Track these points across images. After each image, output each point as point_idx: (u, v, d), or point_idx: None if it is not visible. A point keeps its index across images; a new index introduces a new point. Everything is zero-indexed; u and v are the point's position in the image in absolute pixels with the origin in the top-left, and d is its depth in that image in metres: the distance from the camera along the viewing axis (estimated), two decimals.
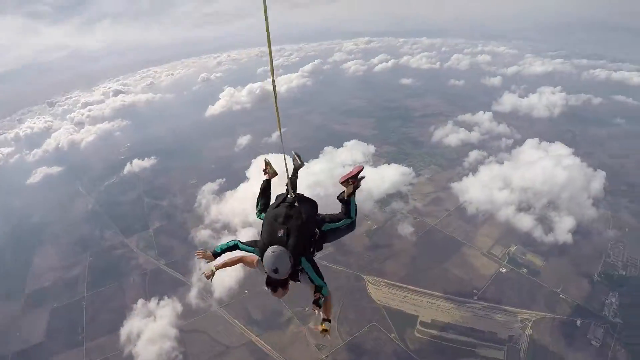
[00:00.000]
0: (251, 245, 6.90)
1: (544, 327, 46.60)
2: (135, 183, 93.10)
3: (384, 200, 70.64)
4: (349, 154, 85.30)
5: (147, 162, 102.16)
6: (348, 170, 7.39)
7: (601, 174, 72.67)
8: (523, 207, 66.48)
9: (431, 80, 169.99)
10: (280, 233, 6.32)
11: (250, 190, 66.85)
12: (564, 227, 61.25)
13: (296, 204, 6.87)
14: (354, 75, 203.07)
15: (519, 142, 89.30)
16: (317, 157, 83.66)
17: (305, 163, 8.67)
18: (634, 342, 44.02)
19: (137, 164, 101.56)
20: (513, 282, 52.86)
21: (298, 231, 6.39)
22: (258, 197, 8.04)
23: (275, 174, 8.59)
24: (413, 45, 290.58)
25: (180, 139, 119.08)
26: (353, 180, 7.18)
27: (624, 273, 53.84)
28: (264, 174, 8.54)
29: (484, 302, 50.00)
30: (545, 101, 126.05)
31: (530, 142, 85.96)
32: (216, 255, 7.32)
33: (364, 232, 63.35)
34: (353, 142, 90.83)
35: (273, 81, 6.55)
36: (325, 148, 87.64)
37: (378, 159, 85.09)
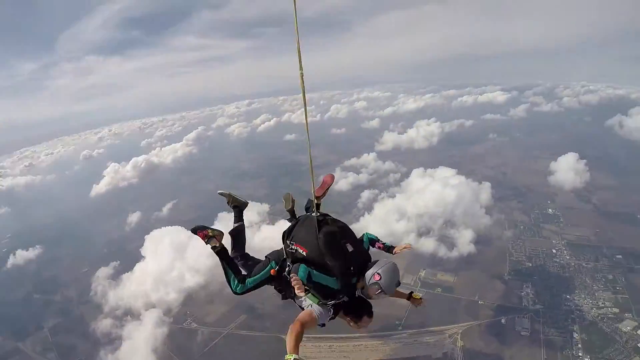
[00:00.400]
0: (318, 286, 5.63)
1: (473, 335, 47.05)
2: (22, 278, 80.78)
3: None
4: (245, 216, 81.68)
5: (32, 253, 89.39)
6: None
7: (487, 185, 79.47)
8: (423, 232, 68.18)
9: (314, 132, 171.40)
10: (350, 248, 5.67)
11: (147, 269, 62.99)
12: (465, 240, 64.29)
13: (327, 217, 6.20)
14: (239, 138, 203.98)
15: (405, 175, 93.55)
16: (213, 225, 79.51)
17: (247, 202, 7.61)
18: (557, 319, 47.31)
19: (21, 256, 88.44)
20: (431, 303, 52.31)
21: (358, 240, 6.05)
22: (228, 271, 6.27)
23: (221, 234, 6.74)
24: (293, 102, 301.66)
25: (67, 223, 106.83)
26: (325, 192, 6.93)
27: (530, 265, 58.19)
28: (210, 243, 6.57)
29: (409, 330, 49.23)
30: (423, 132, 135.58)
31: (416, 172, 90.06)
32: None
33: (273, 292, 60.34)
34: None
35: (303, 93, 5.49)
36: (219, 214, 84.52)
37: (274, 217, 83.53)
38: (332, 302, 5.66)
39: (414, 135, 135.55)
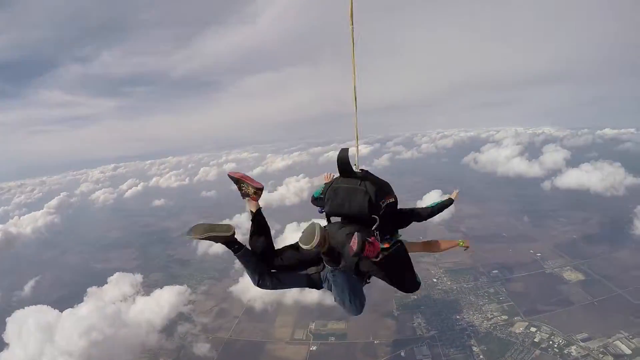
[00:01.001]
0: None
1: None
2: None
3: (169, 328, 63.98)
4: (116, 289, 75.47)
5: None
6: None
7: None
8: None
9: (183, 196, 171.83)
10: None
11: (13, 357, 54.05)
12: None
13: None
14: (105, 205, 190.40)
15: (280, 231, 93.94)
16: (82, 301, 71.77)
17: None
18: (454, 339, 51.18)
19: None
20: (327, 353, 53.15)
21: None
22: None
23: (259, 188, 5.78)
24: (160, 165, 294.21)
25: None
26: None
27: (415, 297, 60.85)
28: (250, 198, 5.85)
29: None
30: (293, 189, 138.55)
31: (290, 227, 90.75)
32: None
33: None
34: (117, 275, 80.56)
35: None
36: (88, 289, 76.59)
37: (148, 288, 77.98)
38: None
39: (285, 192, 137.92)
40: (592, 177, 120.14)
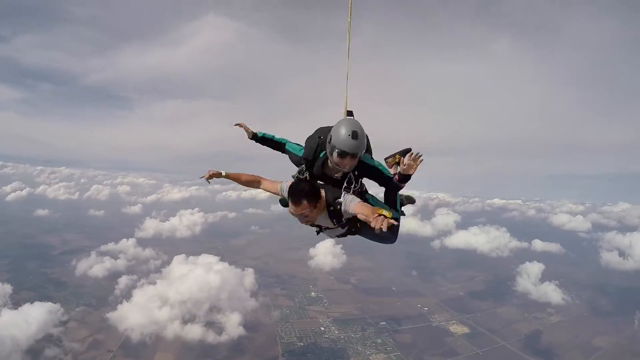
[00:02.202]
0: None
1: None
2: None
3: (34, 349, 58.20)
4: None
5: None
6: None
7: (250, 271, 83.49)
8: (188, 319, 67.17)
9: (70, 211, 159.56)
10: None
11: None
12: (233, 323, 65.79)
13: None
14: None
15: (167, 262, 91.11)
16: None
17: None
18: None
19: None
20: None
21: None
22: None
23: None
24: (51, 174, 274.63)
25: None
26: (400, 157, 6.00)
27: (302, 344, 62.74)
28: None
29: None
30: (186, 222, 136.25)
31: (178, 259, 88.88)
32: (256, 138, 6.28)
33: None
34: None
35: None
36: None
37: (17, 302, 70.54)
38: None
39: (177, 224, 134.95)
40: (479, 239, 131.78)
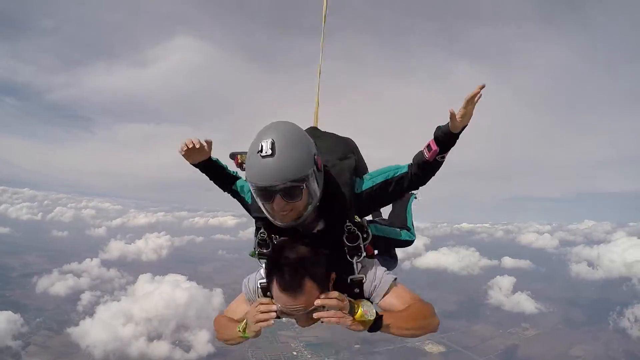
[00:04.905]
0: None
1: None
2: None
3: None
4: None
5: None
6: None
7: (219, 291, 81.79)
8: (154, 336, 66.24)
9: (32, 232, 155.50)
10: None
11: None
12: (202, 340, 65.04)
13: None
14: None
15: (132, 282, 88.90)
16: None
17: None
18: None
19: None
20: None
21: None
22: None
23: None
24: (14, 195, 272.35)
25: None
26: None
27: None
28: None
29: None
30: (152, 245, 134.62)
31: (144, 277, 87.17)
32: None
33: None
34: None
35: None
36: None
37: None
38: None
39: (143, 247, 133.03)
40: (449, 258, 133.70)
